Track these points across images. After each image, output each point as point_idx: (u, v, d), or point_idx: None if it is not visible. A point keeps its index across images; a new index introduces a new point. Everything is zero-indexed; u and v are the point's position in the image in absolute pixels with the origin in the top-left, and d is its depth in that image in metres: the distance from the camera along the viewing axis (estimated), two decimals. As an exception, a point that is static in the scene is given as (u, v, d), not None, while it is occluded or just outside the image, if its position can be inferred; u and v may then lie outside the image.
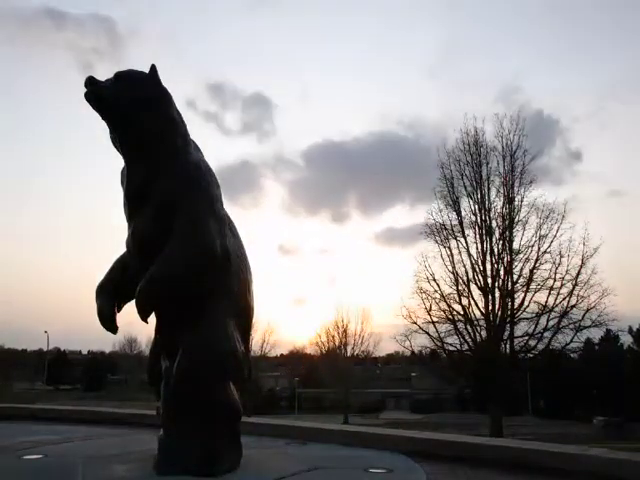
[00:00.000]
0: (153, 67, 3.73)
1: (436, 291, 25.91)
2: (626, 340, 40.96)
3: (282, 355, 57.75)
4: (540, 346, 25.04)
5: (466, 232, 25.66)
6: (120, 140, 3.71)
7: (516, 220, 25.19)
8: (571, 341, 24.99)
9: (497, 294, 24.76)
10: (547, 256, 24.73)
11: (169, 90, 3.82)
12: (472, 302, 25.16)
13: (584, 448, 4.92)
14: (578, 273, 24.25)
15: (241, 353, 3.80)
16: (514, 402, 27.58)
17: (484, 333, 25.00)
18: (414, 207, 66.64)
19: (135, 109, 3.60)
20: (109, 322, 3.76)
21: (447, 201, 26.11)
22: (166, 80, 3.77)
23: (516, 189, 25.33)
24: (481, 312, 24.93)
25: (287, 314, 77.01)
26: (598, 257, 24.27)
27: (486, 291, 24.79)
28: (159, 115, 3.68)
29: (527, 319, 24.87)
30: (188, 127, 3.93)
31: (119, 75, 3.70)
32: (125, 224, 3.83)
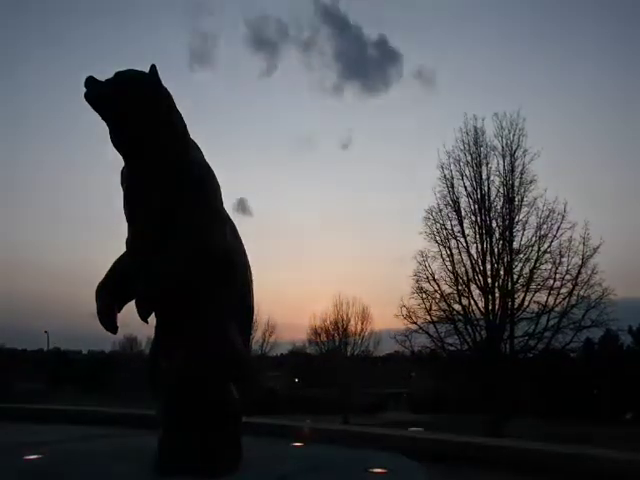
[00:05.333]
0: (153, 67, 3.73)
1: (436, 291, 25.94)
2: (626, 340, 41.07)
3: (282, 355, 57.71)
4: (540, 346, 25.07)
5: (466, 232, 25.68)
6: (120, 140, 3.71)
7: (516, 220, 25.20)
8: (571, 341, 25.03)
9: (497, 294, 24.77)
10: (547, 256, 24.76)
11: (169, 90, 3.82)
12: (472, 302, 25.20)
13: (585, 448, 4.93)
14: (578, 273, 24.28)
15: (242, 353, 3.80)
16: (514, 402, 27.56)
17: (484, 333, 25.01)
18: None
19: (134, 108, 3.60)
20: (109, 322, 3.76)
21: (447, 201, 26.11)
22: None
23: (516, 189, 25.34)
24: (481, 312, 24.94)
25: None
26: (599, 257, 24.31)
27: (486, 291, 24.79)
28: (159, 114, 3.68)
29: (527, 319, 24.90)
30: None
31: (119, 74, 3.70)
32: (125, 224, 3.83)
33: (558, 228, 24.67)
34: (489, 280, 24.88)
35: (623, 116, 59.57)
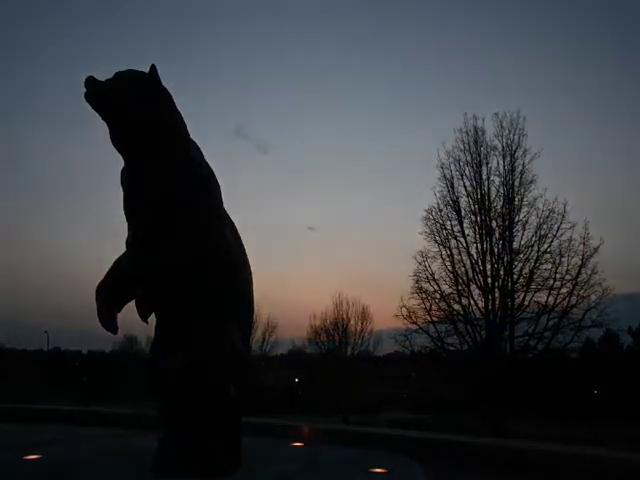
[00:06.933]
0: (153, 67, 3.74)
1: (436, 291, 25.93)
2: (626, 340, 41.07)
3: (282, 355, 57.71)
4: (540, 346, 25.08)
5: (466, 232, 25.66)
6: (120, 139, 3.71)
7: (516, 220, 25.18)
8: (571, 341, 25.02)
9: (497, 294, 24.77)
10: (547, 256, 24.75)
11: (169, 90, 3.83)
12: (472, 302, 25.19)
13: (585, 448, 4.93)
14: (578, 273, 24.27)
15: (242, 353, 3.81)
16: (514, 402, 27.57)
17: (484, 333, 25.01)
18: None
19: (134, 108, 3.60)
20: (109, 322, 3.76)
21: (447, 201, 26.09)
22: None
23: (516, 189, 25.33)
24: (481, 312, 24.93)
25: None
26: (599, 255, 24.30)
27: (486, 291, 24.79)
28: (159, 114, 3.68)
29: (527, 319, 24.90)
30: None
31: (119, 74, 3.70)
32: (125, 223, 3.83)
33: (558, 228, 24.67)
34: (489, 280, 24.88)
35: (624, 116, 59.60)
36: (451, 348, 26.31)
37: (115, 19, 69.34)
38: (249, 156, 74.71)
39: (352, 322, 43.36)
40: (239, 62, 74.15)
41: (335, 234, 70.31)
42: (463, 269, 25.47)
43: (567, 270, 24.40)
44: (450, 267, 25.67)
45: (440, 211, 26.12)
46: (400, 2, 64.01)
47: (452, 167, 26.15)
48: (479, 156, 25.95)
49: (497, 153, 25.82)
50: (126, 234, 3.81)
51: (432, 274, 25.85)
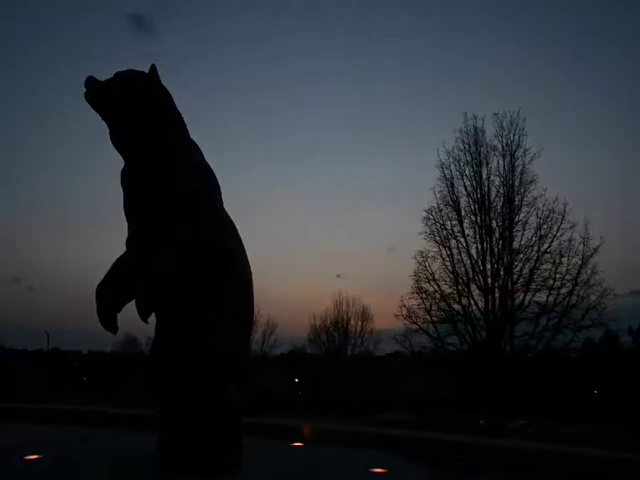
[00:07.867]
0: (153, 67, 3.75)
1: (436, 291, 25.93)
2: (626, 340, 41.11)
3: (282, 355, 57.69)
4: (540, 346, 25.08)
5: (466, 232, 25.65)
6: (120, 139, 3.71)
7: (516, 220, 25.18)
8: (571, 341, 25.03)
9: (497, 294, 24.77)
10: (547, 256, 24.74)
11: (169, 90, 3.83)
12: (472, 302, 25.19)
13: (584, 448, 4.93)
14: (578, 273, 24.26)
15: (242, 352, 3.80)
16: (514, 402, 27.60)
17: (484, 333, 25.02)
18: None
19: (134, 108, 3.60)
20: (109, 322, 3.76)
21: (447, 201, 26.09)
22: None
23: (516, 189, 25.33)
24: (481, 312, 24.93)
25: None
26: (599, 256, 24.31)
27: (486, 291, 24.79)
28: (159, 114, 3.69)
29: (527, 319, 24.90)
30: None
31: (119, 74, 3.71)
32: (125, 224, 3.83)
33: (558, 228, 24.66)
34: (489, 280, 24.88)
35: (624, 115, 59.61)
36: (451, 348, 26.31)
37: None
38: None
39: (352, 322, 43.42)
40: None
41: (335, 233, 70.50)
42: (463, 269, 25.47)
43: (567, 270, 24.40)
44: (450, 267, 25.67)
45: (440, 211, 26.13)
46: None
47: (452, 167, 26.17)
48: (479, 156, 25.96)
49: (497, 153, 25.83)
50: (126, 234, 3.81)
51: (432, 274, 25.86)
